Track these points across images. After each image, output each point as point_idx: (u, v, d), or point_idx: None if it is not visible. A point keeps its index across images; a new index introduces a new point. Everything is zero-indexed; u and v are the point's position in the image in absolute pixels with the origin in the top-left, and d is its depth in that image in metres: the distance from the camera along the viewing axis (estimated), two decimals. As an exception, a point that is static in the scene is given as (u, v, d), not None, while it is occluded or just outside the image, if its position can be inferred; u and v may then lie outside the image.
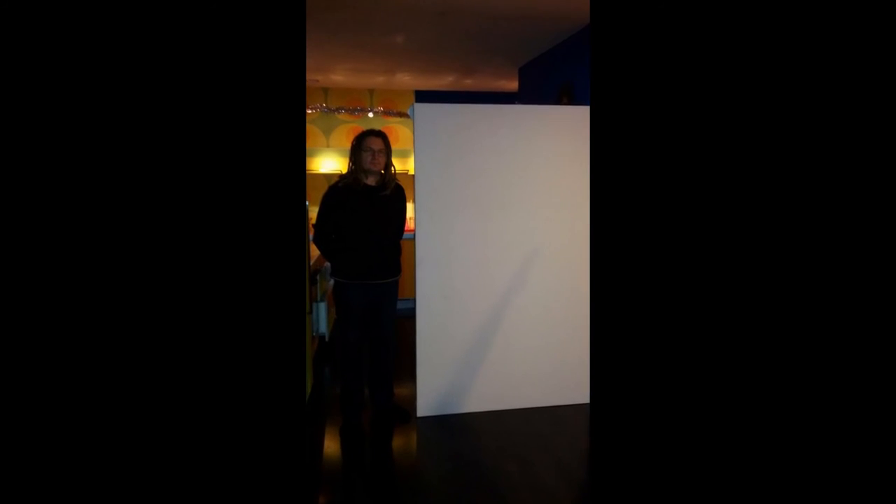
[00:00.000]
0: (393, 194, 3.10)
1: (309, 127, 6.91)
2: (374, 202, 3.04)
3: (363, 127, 4.81)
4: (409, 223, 3.54)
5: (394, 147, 3.25)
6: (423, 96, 7.09)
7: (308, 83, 6.35)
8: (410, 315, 3.42)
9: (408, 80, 6.65)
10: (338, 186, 3.08)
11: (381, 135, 3.07)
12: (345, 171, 3.21)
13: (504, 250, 3.40)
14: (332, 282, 3.29)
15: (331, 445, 3.09)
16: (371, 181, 3.05)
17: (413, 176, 3.31)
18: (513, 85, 6.61)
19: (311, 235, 3.27)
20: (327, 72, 6.17)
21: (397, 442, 3.18)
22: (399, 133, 7.03)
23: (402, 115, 6.98)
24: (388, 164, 3.07)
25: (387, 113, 7.06)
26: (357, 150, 3.04)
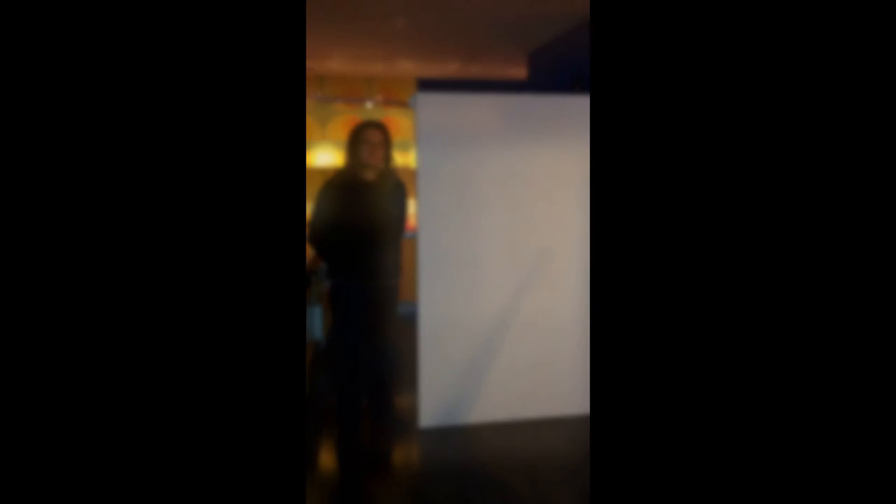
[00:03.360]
0: (393, 190, 3.08)
1: (304, 117, 6.92)
2: (372, 199, 3.02)
3: (361, 118, 4.79)
4: (411, 221, 3.52)
5: (394, 139, 3.22)
6: (426, 85, 7.08)
7: (303, 71, 6.35)
8: (412, 319, 3.41)
9: (409, 68, 6.64)
10: (334, 182, 3.06)
11: (380, 126, 3.05)
12: (341, 165, 3.19)
13: (512, 250, 3.38)
14: (327, 284, 3.28)
15: (326, 458, 3.08)
16: (370, 176, 3.04)
17: (415, 171, 3.29)
18: (522, 72, 6.60)
19: (305, 234, 3.27)
20: (323, 58, 6.16)
21: (398, 455, 3.17)
22: (400, 124, 7.02)
23: (403, 104, 6.97)
24: (388, 158, 3.06)
25: (387, 102, 7.05)
26: (355, 143, 3.03)
